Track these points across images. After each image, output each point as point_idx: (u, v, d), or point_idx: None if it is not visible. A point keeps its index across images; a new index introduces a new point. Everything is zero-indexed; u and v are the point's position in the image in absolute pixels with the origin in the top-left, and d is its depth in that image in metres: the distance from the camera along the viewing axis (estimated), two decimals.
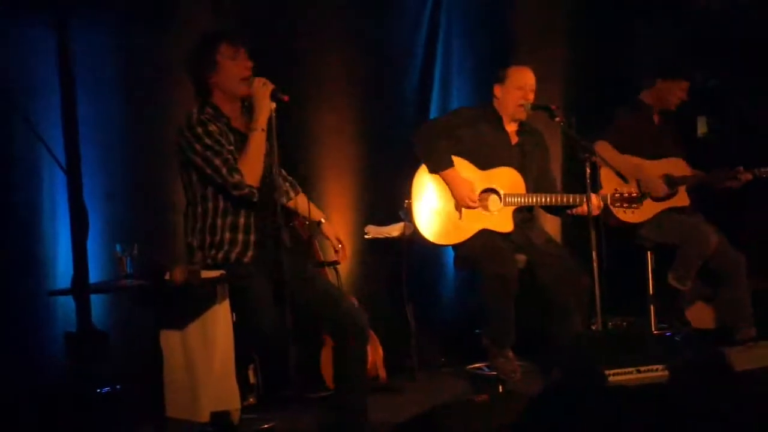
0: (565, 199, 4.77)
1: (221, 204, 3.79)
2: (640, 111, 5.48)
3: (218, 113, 3.80)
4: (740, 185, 5.37)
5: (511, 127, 4.90)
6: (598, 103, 6.09)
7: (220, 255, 3.79)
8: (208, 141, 3.70)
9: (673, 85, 5.42)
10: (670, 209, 5.35)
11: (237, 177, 3.68)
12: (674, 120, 5.56)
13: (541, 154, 5.01)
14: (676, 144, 5.52)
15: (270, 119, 3.68)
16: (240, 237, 3.81)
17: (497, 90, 4.85)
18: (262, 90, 3.71)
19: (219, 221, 3.80)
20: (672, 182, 5.35)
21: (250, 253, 3.82)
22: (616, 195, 4.69)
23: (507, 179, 4.79)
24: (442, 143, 4.74)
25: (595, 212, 4.65)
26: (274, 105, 3.69)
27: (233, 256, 3.80)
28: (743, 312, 5.21)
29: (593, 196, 4.62)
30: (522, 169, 4.83)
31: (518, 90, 4.80)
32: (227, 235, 3.80)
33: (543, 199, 4.77)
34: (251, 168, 3.71)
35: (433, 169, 4.73)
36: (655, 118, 5.52)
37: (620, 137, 5.32)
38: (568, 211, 4.82)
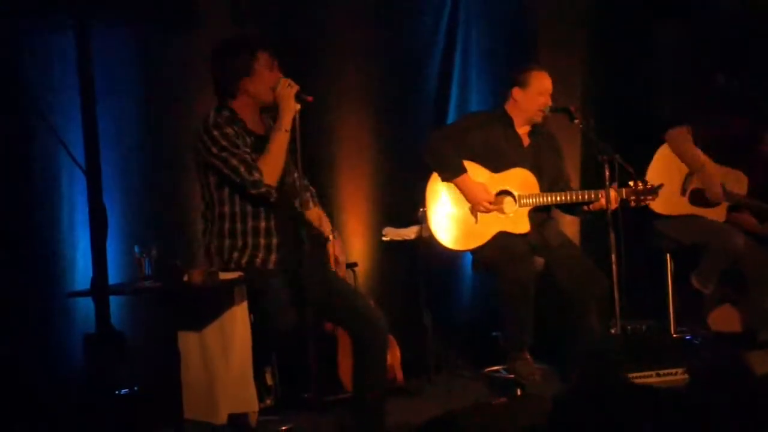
0: (580, 196, 4.76)
1: (238, 208, 3.78)
2: (736, 123, 5.46)
3: (234, 116, 3.79)
4: None
5: (522, 130, 4.88)
6: (617, 105, 6.08)
7: (244, 260, 3.78)
8: (224, 142, 3.69)
9: None
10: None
11: (256, 175, 3.67)
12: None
13: (554, 155, 5.01)
14: (748, 158, 5.48)
15: (294, 121, 3.69)
16: (262, 241, 3.80)
17: (517, 93, 4.82)
18: (287, 91, 3.71)
19: (239, 225, 3.79)
20: (730, 197, 5.32)
21: (273, 257, 3.80)
22: (631, 188, 4.66)
23: (520, 180, 4.78)
24: (452, 150, 4.73)
25: (613, 206, 4.61)
26: (298, 106, 3.69)
27: (258, 261, 3.79)
28: None
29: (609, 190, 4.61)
30: (535, 170, 4.82)
31: (540, 96, 4.79)
32: (249, 239, 3.79)
33: (558, 198, 4.76)
34: (272, 167, 3.69)
35: (447, 178, 4.73)
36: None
37: (704, 132, 5.31)
38: (585, 208, 4.79)
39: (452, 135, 4.80)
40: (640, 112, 6.18)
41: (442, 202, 4.74)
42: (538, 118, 4.84)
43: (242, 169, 3.67)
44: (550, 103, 4.80)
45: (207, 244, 3.86)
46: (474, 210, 4.73)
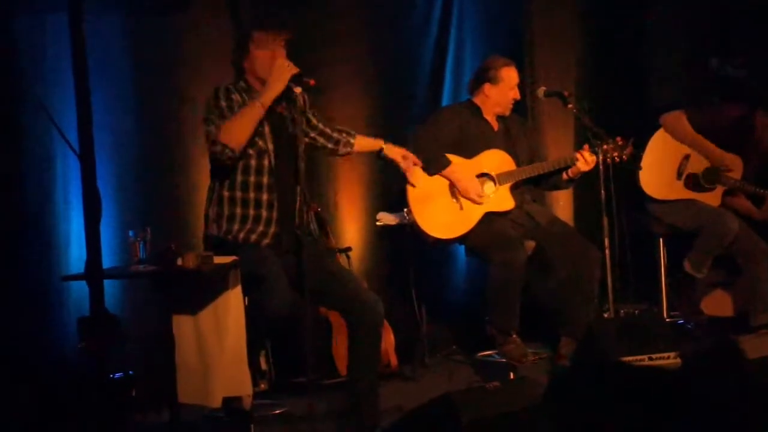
0: (556, 164, 4.83)
1: (240, 177, 3.81)
2: (729, 108, 5.46)
3: (249, 87, 3.86)
4: None
5: (491, 117, 4.94)
6: (611, 90, 6.08)
7: (241, 235, 3.79)
8: (222, 103, 3.75)
9: None
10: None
11: (214, 131, 3.70)
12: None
13: (524, 135, 5.08)
14: (743, 143, 5.48)
15: (296, 103, 3.71)
16: (264, 213, 3.83)
17: (489, 89, 4.89)
18: (281, 70, 3.72)
19: (239, 194, 3.82)
20: (725, 181, 5.34)
21: (272, 230, 3.83)
22: (604, 146, 4.66)
23: (495, 160, 4.84)
24: (432, 145, 4.75)
25: (587, 168, 4.67)
26: (299, 89, 3.69)
27: (253, 237, 3.81)
28: (762, 299, 5.19)
29: (583, 153, 4.66)
30: (509, 152, 4.89)
31: (511, 90, 4.88)
32: (250, 211, 3.82)
33: (534, 170, 4.82)
34: (231, 128, 3.69)
35: (434, 170, 4.75)
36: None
37: (699, 117, 5.36)
38: (565, 177, 4.81)
39: (428, 131, 4.83)
40: (634, 97, 6.19)
41: (424, 197, 4.75)
42: (507, 111, 4.94)
43: (211, 127, 3.72)
44: (519, 96, 4.90)
45: (206, 210, 3.90)
46: (457, 196, 4.75)
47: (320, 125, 4.09)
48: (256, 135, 3.78)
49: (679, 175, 5.38)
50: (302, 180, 3.72)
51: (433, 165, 4.73)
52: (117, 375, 4.03)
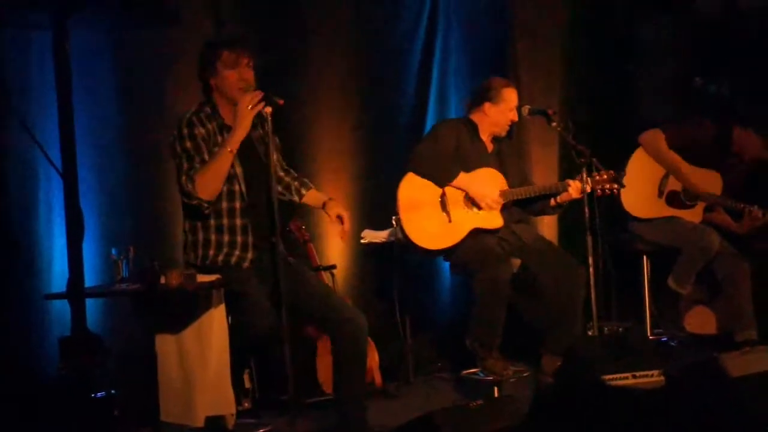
0: (546, 189, 4.85)
1: (225, 221, 3.80)
2: (707, 125, 5.49)
3: (215, 113, 3.82)
4: (762, 223, 5.38)
5: (486, 137, 4.95)
6: (596, 106, 6.11)
7: (220, 258, 3.79)
8: (188, 144, 3.72)
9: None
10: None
11: (190, 186, 3.68)
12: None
13: (517, 159, 5.12)
14: (722, 159, 5.51)
15: (266, 123, 3.70)
16: (238, 239, 3.81)
17: (489, 108, 4.89)
18: (244, 113, 3.69)
19: (213, 222, 3.80)
20: (705, 197, 5.37)
21: (249, 255, 3.82)
22: (596, 177, 4.70)
23: (489, 179, 4.85)
24: (439, 160, 4.77)
25: (576, 196, 4.69)
26: (270, 109, 3.69)
27: (233, 260, 3.80)
28: (744, 316, 5.22)
29: (572, 182, 4.69)
30: (501, 173, 4.89)
31: (510, 112, 4.89)
32: (225, 237, 3.80)
33: (526, 192, 4.85)
34: (207, 182, 3.68)
35: (444, 183, 4.76)
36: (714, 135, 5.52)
37: (677, 135, 5.37)
38: (553, 203, 4.84)
39: (429, 145, 4.84)
40: (618, 116, 6.22)
41: (414, 205, 4.76)
42: (504, 132, 4.95)
43: (184, 178, 3.69)
44: (516, 118, 4.91)
45: (184, 239, 3.87)
46: (447, 208, 4.76)
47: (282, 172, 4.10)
48: None
49: (660, 193, 5.41)
50: (275, 199, 3.71)
51: (444, 177, 4.76)
52: (99, 394, 4.00)
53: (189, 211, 3.82)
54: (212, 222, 3.80)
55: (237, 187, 3.81)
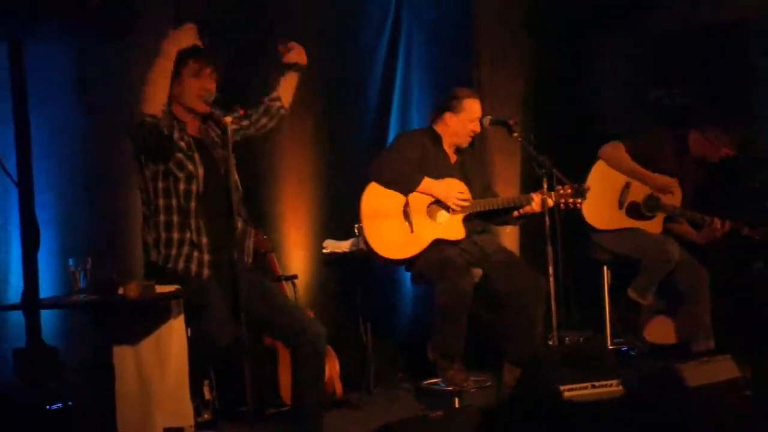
0: (510, 201, 4.86)
1: (175, 218, 3.76)
2: (664, 135, 5.53)
3: (174, 118, 3.81)
4: (721, 233, 5.44)
5: (449, 148, 4.97)
6: (557, 119, 6.15)
7: (181, 264, 3.76)
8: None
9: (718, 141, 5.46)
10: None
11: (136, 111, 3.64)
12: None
13: (480, 170, 5.12)
14: (680, 168, 5.55)
15: (226, 134, 3.68)
16: (194, 237, 3.77)
17: (450, 118, 4.90)
18: (186, 30, 3.73)
19: (175, 218, 3.76)
20: (665, 208, 5.41)
21: (206, 258, 3.78)
22: (559, 191, 4.73)
23: (453, 189, 4.83)
24: (403, 166, 4.77)
25: (538, 209, 4.70)
26: (230, 119, 3.69)
27: (193, 267, 3.77)
28: (703, 326, 5.27)
29: (536, 195, 4.69)
30: (464, 184, 4.90)
31: (471, 122, 4.89)
32: (186, 235, 3.76)
33: (489, 204, 4.85)
34: (150, 94, 3.63)
35: (409, 190, 4.76)
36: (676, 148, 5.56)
37: (637, 146, 5.43)
38: (515, 214, 4.86)
39: (393, 154, 4.85)
40: (579, 127, 6.27)
41: (376, 214, 4.76)
42: (465, 143, 4.95)
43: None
44: (479, 129, 4.90)
45: (144, 237, 3.82)
46: (410, 218, 4.76)
47: (254, 116, 4.07)
48: (187, 159, 3.75)
49: (621, 204, 5.45)
50: (235, 209, 3.69)
51: (408, 184, 4.76)
52: (56, 406, 3.96)
53: (146, 212, 3.79)
54: (171, 218, 3.75)
55: (194, 187, 3.78)
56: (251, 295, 3.70)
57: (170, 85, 3.76)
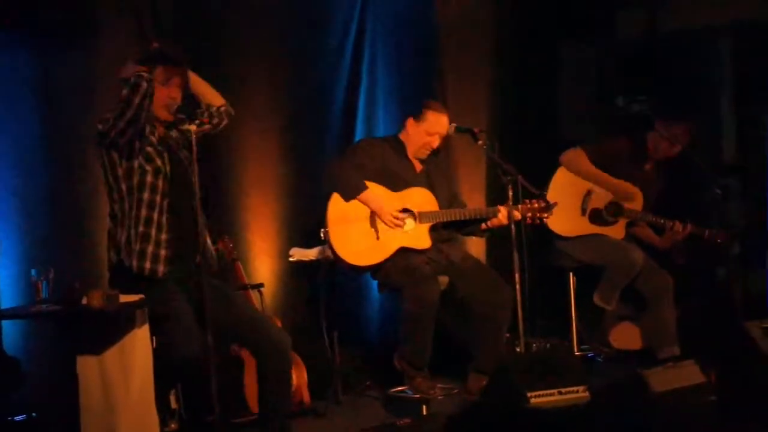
0: (477, 213, 4.86)
1: (144, 212, 3.73)
2: (624, 140, 5.56)
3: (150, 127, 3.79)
4: (683, 236, 5.48)
5: (414, 157, 4.96)
6: (521, 127, 6.18)
7: (147, 265, 3.72)
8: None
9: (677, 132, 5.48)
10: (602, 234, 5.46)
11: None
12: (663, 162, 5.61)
13: (446, 180, 5.10)
14: (640, 173, 5.59)
15: (189, 142, 3.68)
16: (157, 234, 3.74)
17: (410, 125, 4.90)
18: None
19: (141, 228, 3.73)
20: (627, 213, 5.44)
21: (164, 252, 3.74)
22: (527, 205, 4.75)
23: (419, 198, 4.85)
24: (352, 171, 4.76)
25: (505, 222, 4.70)
26: (194, 127, 3.68)
27: (161, 268, 3.74)
28: (668, 332, 5.30)
29: (503, 208, 4.69)
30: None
31: (428, 135, 4.86)
32: (152, 230, 3.73)
33: (455, 214, 4.84)
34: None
35: (350, 196, 4.73)
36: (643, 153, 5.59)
37: (598, 152, 5.45)
38: (483, 227, 4.86)
39: (349, 159, 4.83)
40: (544, 134, 6.30)
41: (343, 219, 4.75)
42: (422, 155, 4.93)
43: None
44: (435, 145, 4.90)
45: (114, 239, 3.79)
46: (375, 225, 4.75)
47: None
48: (156, 154, 3.75)
49: (583, 211, 5.48)
50: (199, 215, 3.67)
51: (349, 190, 4.72)
52: (19, 417, 3.93)
53: (118, 212, 3.76)
54: (143, 213, 3.73)
55: (160, 182, 3.75)
56: (217, 305, 3.68)
57: None
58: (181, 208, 3.79)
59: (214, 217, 4.14)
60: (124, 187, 3.73)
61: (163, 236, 3.75)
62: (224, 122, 4.13)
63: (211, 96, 4.12)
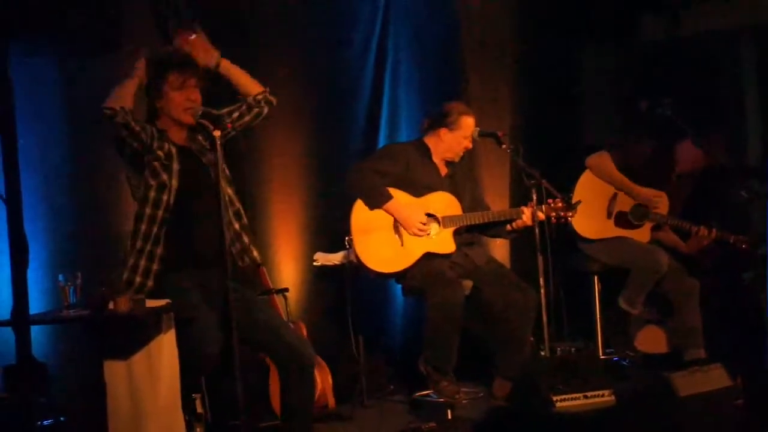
0: (500, 215, 4.87)
1: (143, 227, 3.76)
2: (650, 145, 5.55)
3: (162, 133, 3.81)
4: (708, 241, 5.46)
5: (439, 160, 4.98)
6: (544, 130, 6.16)
7: (125, 275, 3.75)
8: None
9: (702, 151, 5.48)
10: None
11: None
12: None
13: (470, 183, 5.13)
14: (666, 178, 5.58)
15: (215, 146, 3.68)
16: (142, 263, 3.76)
17: (444, 133, 4.91)
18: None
19: (140, 244, 3.76)
20: (653, 217, 5.42)
21: (150, 283, 3.75)
22: (550, 205, 4.74)
23: (443, 203, 4.86)
24: (376, 179, 4.77)
25: (529, 222, 4.72)
26: (219, 133, 3.69)
27: (138, 279, 3.75)
28: (693, 336, 5.28)
29: (526, 209, 4.70)
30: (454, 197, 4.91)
31: (465, 139, 4.91)
32: (142, 261, 3.76)
33: (479, 218, 4.84)
34: (111, 92, 3.72)
35: (375, 205, 4.75)
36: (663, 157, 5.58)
37: (623, 156, 5.44)
38: (508, 228, 4.86)
39: (372, 165, 4.84)
40: (568, 137, 6.29)
41: (367, 227, 4.76)
42: (458, 158, 4.97)
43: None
44: (471, 146, 4.94)
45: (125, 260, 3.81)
46: (399, 232, 4.76)
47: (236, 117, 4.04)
48: (162, 169, 3.76)
49: (609, 214, 5.47)
50: (224, 218, 3.67)
51: (374, 200, 4.74)
52: (47, 422, 3.95)
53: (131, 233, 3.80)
54: (139, 244, 3.76)
55: (165, 197, 3.77)
56: (241, 313, 3.67)
57: (157, 102, 3.79)
58: (200, 214, 3.80)
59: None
60: (136, 200, 3.78)
61: (158, 250, 3.76)
62: (265, 111, 4.08)
63: (248, 84, 4.07)
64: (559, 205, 4.72)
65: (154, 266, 3.76)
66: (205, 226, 3.79)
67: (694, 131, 5.47)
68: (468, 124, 4.90)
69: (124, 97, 3.72)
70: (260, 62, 5.30)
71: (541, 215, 4.67)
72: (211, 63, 3.98)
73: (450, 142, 4.91)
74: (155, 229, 3.76)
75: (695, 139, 5.45)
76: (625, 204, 5.47)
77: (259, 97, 4.07)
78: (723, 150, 5.47)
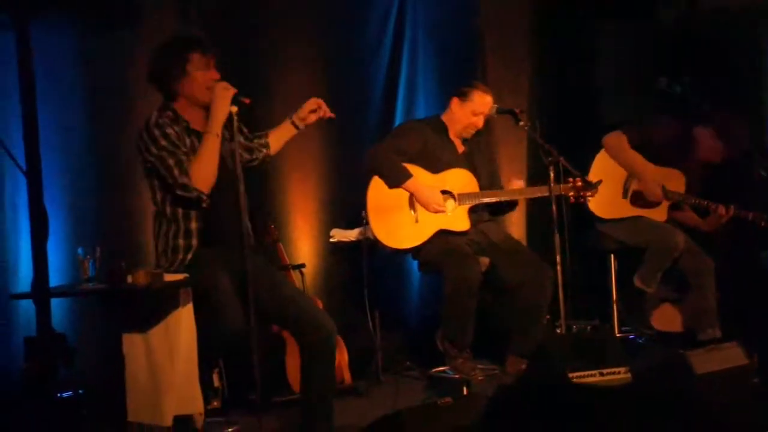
0: (517, 193, 4.88)
1: (180, 210, 3.76)
2: (668, 124, 5.53)
3: (177, 117, 3.78)
4: (727, 219, 5.43)
5: (456, 137, 4.97)
6: (562, 107, 6.15)
7: (179, 257, 3.77)
8: (163, 142, 3.68)
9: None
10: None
11: (185, 179, 3.65)
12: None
13: (487, 161, 5.12)
14: (684, 157, 5.56)
15: (231, 123, 3.68)
16: (194, 242, 3.78)
17: (455, 104, 4.92)
18: (223, 94, 3.68)
19: (179, 225, 3.76)
20: (670, 196, 5.41)
21: (189, 257, 3.76)
22: (569, 184, 4.73)
23: (460, 180, 4.86)
24: (395, 157, 4.77)
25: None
26: (236, 109, 3.68)
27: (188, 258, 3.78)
28: (709, 315, 5.26)
29: (544, 188, 4.69)
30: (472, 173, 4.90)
31: (474, 115, 4.89)
32: (181, 241, 3.77)
33: (497, 195, 4.86)
34: (202, 172, 3.66)
35: (395, 184, 4.75)
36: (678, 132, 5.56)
37: (640, 135, 5.42)
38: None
39: (391, 144, 4.84)
40: (585, 115, 6.26)
41: (383, 204, 4.77)
42: (467, 134, 4.96)
43: (176, 171, 3.65)
44: (480, 125, 4.92)
45: (156, 244, 3.83)
46: (414, 207, 4.77)
47: (245, 141, 4.05)
48: (188, 161, 3.72)
49: (625, 192, 5.45)
50: (242, 198, 3.68)
51: (395, 178, 4.75)
52: (66, 394, 3.99)
53: (160, 218, 3.79)
54: (182, 225, 3.76)
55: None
56: (260, 287, 3.69)
57: (178, 83, 3.77)
58: (220, 188, 3.81)
59: (256, 199, 4.15)
60: (160, 198, 3.78)
61: (193, 225, 3.78)
62: (256, 162, 4.08)
63: (278, 139, 4.12)
64: (579, 183, 4.71)
65: (194, 242, 3.76)
66: (222, 200, 3.80)
67: (711, 110, 5.43)
68: (480, 100, 4.88)
69: (213, 171, 3.69)
70: (276, 40, 5.33)
71: (560, 190, 4.66)
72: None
73: (458, 114, 4.91)
74: (194, 224, 3.77)
75: (716, 129, 5.41)
76: (641, 183, 5.45)
77: (268, 157, 4.11)
78: (744, 137, 5.43)
